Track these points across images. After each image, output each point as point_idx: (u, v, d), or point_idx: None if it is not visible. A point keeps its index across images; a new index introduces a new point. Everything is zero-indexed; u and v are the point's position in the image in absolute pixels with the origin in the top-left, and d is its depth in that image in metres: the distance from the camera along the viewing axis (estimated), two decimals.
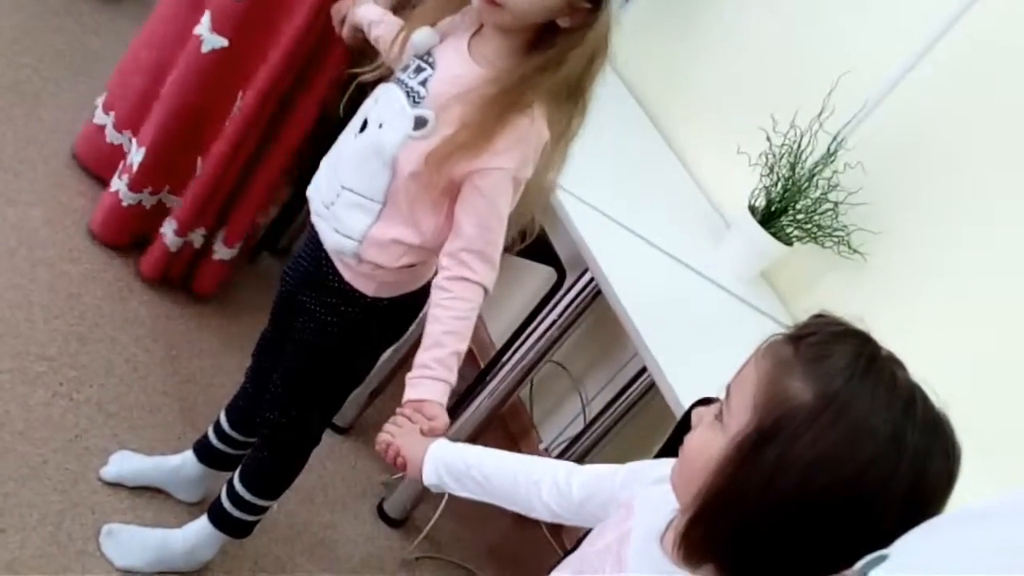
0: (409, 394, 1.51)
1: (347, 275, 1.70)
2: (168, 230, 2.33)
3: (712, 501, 0.89)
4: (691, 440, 0.96)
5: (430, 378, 1.52)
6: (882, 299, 2.15)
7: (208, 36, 2.22)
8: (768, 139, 2.21)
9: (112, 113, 2.48)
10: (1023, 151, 1.99)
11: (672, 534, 0.96)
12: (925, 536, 0.69)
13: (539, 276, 2.69)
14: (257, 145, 2.30)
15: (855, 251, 2.16)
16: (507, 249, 2.33)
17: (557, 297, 2.20)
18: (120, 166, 2.39)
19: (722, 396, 0.95)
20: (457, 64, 1.59)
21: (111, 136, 2.49)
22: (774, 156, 2.20)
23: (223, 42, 2.22)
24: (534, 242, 2.33)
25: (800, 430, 0.85)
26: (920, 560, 0.65)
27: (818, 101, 2.18)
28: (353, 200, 1.65)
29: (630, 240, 2.13)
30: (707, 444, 0.92)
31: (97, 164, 2.53)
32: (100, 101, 2.49)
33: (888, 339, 0.93)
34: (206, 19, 2.22)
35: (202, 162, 2.30)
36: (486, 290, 1.58)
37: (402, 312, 1.76)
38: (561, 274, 2.49)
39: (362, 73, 1.74)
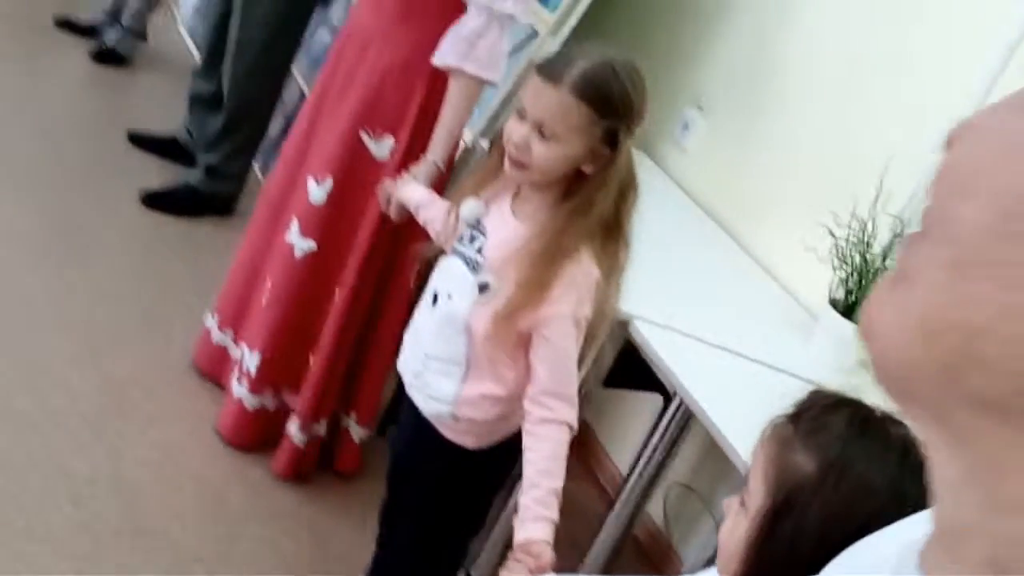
0: (516, 537, 1.62)
1: (448, 434, 1.84)
2: (293, 428, 2.50)
3: None
4: (723, 528, 1.04)
5: (531, 519, 1.63)
6: None
7: (299, 241, 2.44)
8: (832, 233, 2.28)
9: (217, 315, 2.71)
10: None
11: None
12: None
13: (651, 402, 2.76)
14: (360, 331, 2.49)
15: None
16: (604, 383, 2.43)
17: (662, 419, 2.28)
18: (236, 371, 2.60)
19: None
20: (503, 227, 1.74)
21: (216, 337, 2.71)
22: (841, 248, 2.26)
23: (312, 245, 2.44)
24: (638, 371, 2.43)
25: (809, 499, 0.94)
26: None
27: (875, 187, 2.25)
28: (439, 368, 1.79)
29: (716, 355, 2.20)
30: (735, 528, 1.00)
31: (208, 365, 2.75)
32: (211, 307, 2.75)
33: None
34: (295, 226, 2.44)
35: (313, 358, 2.49)
36: (570, 426, 1.69)
37: (504, 456, 1.87)
38: (667, 397, 2.57)
39: (424, 251, 1.91)
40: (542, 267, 1.66)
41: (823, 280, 2.38)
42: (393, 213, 2.11)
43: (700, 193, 2.94)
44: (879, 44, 2.54)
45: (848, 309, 2.28)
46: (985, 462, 0.41)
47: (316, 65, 3.70)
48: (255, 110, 3.44)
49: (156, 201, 3.42)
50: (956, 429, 0.42)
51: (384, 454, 2.71)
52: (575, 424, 1.70)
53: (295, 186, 2.47)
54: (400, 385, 2.83)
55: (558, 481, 1.66)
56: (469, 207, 1.79)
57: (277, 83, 3.48)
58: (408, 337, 1.90)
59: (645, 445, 2.27)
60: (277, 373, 2.54)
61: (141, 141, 3.71)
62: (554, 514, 1.65)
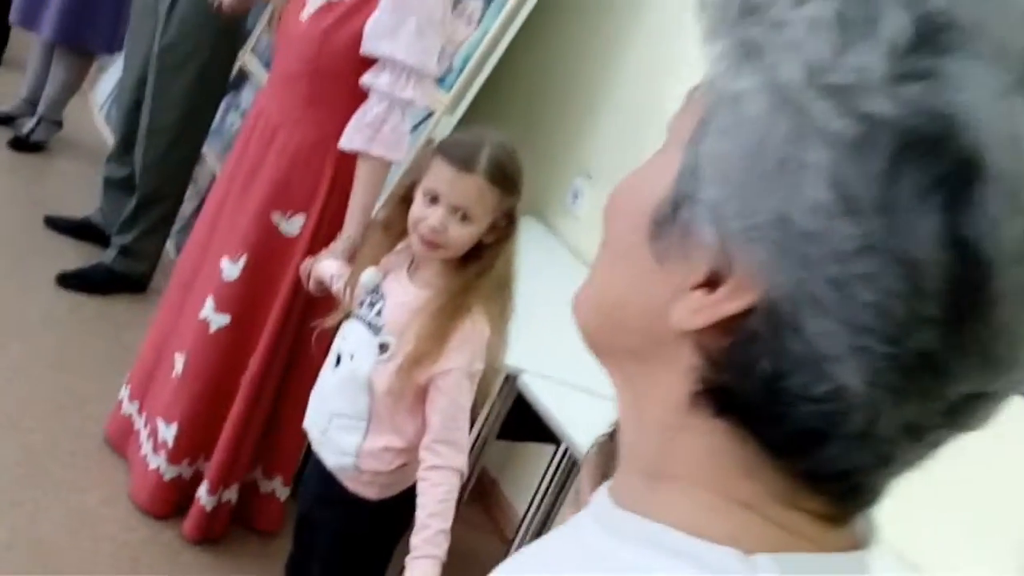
0: (405, 574, 1.77)
1: (351, 486, 1.99)
2: (202, 492, 2.61)
3: None
4: None
5: (420, 557, 1.78)
6: None
7: (214, 317, 2.57)
8: None
9: (128, 387, 2.83)
10: None
11: None
12: None
13: (551, 453, 2.93)
14: (273, 397, 2.61)
15: None
16: (501, 436, 2.59)
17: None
18: (149, 442, 2.70)
19: None
20: (402, 292, 1.92)
21: (125, 408, 2.83)
22: None
23: (227, 320, 2.57)
24: (531, 422, 2.59)
25: None
26: None
27: None
28: (343, 424, 1.95)
29: (604, 405, 2.37)
30: None
31: (116, 436, 2.86)
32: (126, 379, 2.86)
33: None
34: (209, 302, 2.57)
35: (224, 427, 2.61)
36: (459, 472, 1.85)
37: (404, 507, 2.00)
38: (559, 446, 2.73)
39: (323, 321, 2.07)
40: (441, 324, 1.85)
41: None
42: (312, 288, 2.26)
43: (592, 256, 3.14)
44: None
45: None
46: (638, 395, 0.60)
47: (228, 148, 3.87)
48: (167, 192, 3.58)
49: (72, 281, 3.53)
50: (626, 374, 0.61)
51: (295, 512, 2.84)
52: (464, 470, 1.87)
53: (207, 266, 2.60)
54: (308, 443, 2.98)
55: (447, 522, 1.82)
56: (368, 276, 1.97)
57: (188, 166, 3.63)
58: (313, 398, 2.05)
59: (536, 491, 2.43)
60: (194, 444, 2.64)
61: (57, 224, 3.83)
62: (442, 553, 1.80)
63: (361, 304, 1.98)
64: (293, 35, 2.44)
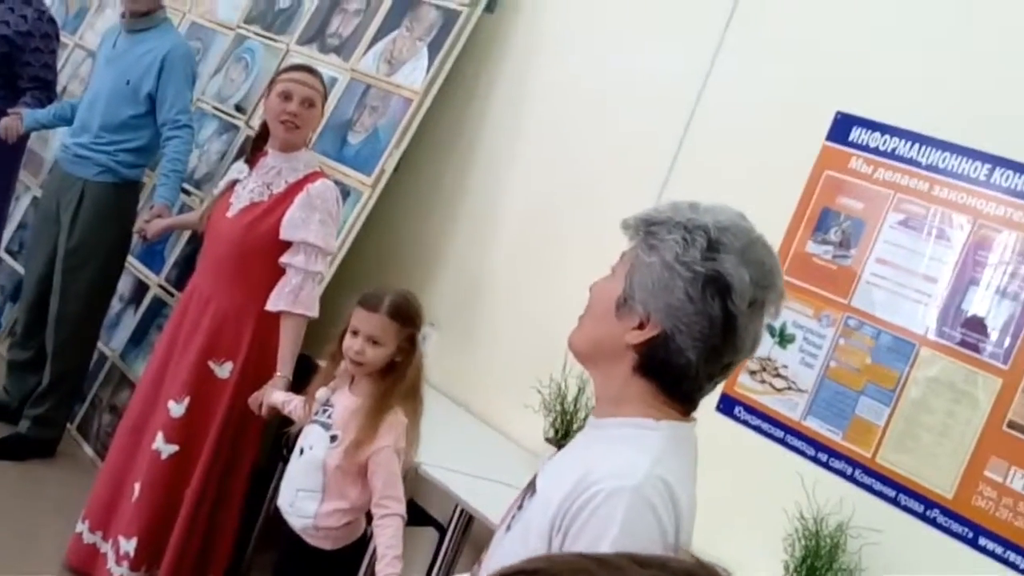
0: None
1: (312, 542, 2.75)
2: None
3: None
4: None
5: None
6: None
7: (164, 447, 3.27)
8: (540, 392, 3.40)
9: (87, 521, 3.43)
10: None
11: None
12: None
13: (428, 538, 3.70)
14: (211, 509, 3.30)
15: None
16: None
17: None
18: (111, 558, 3.31)
19: None
20: (345, 401, 2.76)
21: (87, 538, 3.42)
22: (548, 401, 3.38)
23: (175, 448, 3.27)
24: (415, 513, 3.38)
25: None
26: None
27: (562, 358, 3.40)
28: (305, 495, 2.73)
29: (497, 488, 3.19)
30: None
31: (79, 562, 3.44)
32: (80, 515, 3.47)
33: None
34: (160, 436, 3.27)
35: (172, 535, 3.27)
36: (402, 516, 2.65)
37: (351, 555, 2.78)
38: (441, 529, 3.52)
39: (291, 428, 2.86)
40: (372, 419, 2.69)
41: (536, 426, 3.47)
42: (265, 413, 3.04)
43: (441, 384, 4.04)
44: (560, 256, 3.78)
45: (560, 443, 3.37)
46: (606, 375, 1.53)
47: (110, 330, 4.54)
48: (74, 369, 4.23)
49: None
50: (600, 368, 1.54)
51: None
52: (405, 515, 2.67)
53: (156, 409, 3.32)
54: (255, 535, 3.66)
55: (398, 550, 2.60)
56: (321, 392, 2.81)
57: (90, 348, 4.30)
58: (284, 481, 2.82)
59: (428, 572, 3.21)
60: (150, 553, 3.28)
61: None
62: (397, 571, 2.58)
63: (317, 412, 2.79)
64: (222, 228, 3.29)
